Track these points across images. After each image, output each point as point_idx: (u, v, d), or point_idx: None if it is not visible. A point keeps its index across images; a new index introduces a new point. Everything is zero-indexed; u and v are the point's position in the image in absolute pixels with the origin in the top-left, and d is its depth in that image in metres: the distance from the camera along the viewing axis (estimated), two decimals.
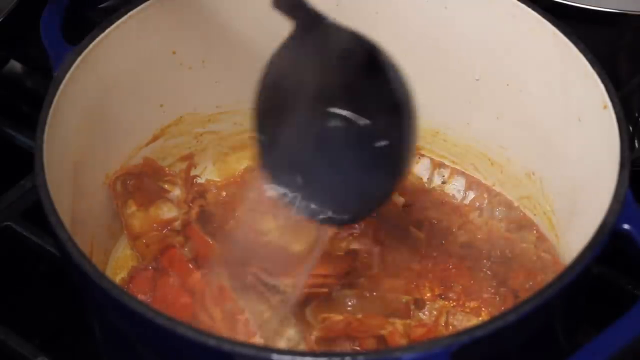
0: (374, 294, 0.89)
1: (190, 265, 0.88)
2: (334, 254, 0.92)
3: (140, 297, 0.87)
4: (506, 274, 0.91)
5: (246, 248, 0.90)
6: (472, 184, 0.95)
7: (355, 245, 0.93)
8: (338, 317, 0.85)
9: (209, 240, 0.90)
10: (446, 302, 0.89)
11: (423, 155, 0.97)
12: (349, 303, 0.88)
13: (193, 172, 0.97)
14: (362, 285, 0.90)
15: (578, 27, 0.87)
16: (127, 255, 0.93)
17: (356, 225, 0.92)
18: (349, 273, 0.91)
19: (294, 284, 0.88)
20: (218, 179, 1.01)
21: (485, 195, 0.94)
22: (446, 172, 0.96)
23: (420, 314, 0.88)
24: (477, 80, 0.95)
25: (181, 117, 0.98)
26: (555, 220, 0.91)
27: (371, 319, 0.85)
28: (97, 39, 0.87)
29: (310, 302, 0.88)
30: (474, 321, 0.86)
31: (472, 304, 0.89)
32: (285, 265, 0.88)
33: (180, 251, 0.89)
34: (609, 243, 0.74)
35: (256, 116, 0.82)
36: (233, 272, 0.87)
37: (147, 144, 0.96)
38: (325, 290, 0.89)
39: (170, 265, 0.88)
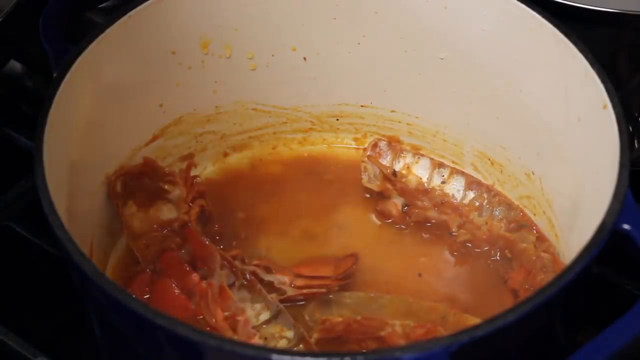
0: (373, 295, 0.89)
1: (188, 267, 0.88)
2: (333, 256, 0.92)
3: (138, 298, 0.87)
4: (506, 273, 0.91)
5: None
6: (471, 183, 0.95)
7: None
8: (337, 319, 0.85)
9: (206, 241, 0.90)
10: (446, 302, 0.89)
11: (423, 155, 0.97)
12: (348, 304, 0.88)
13: (193, 172, 0.97)
14: (361, 286, 0.90)
15: (578, 27, 0.87)
16: (127, 255, 0.93)
17: None
18: (349, 275, 0.91)
19: (289, 282, 0.88)
20: (218, 179, 1.01)
21: (485, 195, 0.94)
22: (446, 172, 0.96)
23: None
24: (477, 80, 0.95)
25: (181, 117, 0.98)
26: (555, 220, 0.91)
27: (370, 320, 0.85)
28: (97, 39, 0.87)
29: (310, 303, 0.88)
30: (473, 321, 0.85)
31: (471, 303, 0.89)
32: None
33: (178, 253, 0.89)
34: (608, 243, 0.74)
35: None
36: (231, 270, 0.87)
37: (147, 144, 0.96)
38: (324, 291, 0.89)
39: (168, 267, 0.88)
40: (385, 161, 0.96)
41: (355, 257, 0.92)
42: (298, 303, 0.89)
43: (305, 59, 0.99)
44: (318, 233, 0.96)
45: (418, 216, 0.95)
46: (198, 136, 1.00)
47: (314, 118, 1.02)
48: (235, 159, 1.02)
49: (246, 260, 0.90)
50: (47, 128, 0.80)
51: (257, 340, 0.83)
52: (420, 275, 0.92)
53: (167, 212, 0.92)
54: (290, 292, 0.88)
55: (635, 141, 1.03)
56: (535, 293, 0.70)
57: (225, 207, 0.97)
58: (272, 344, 0.84)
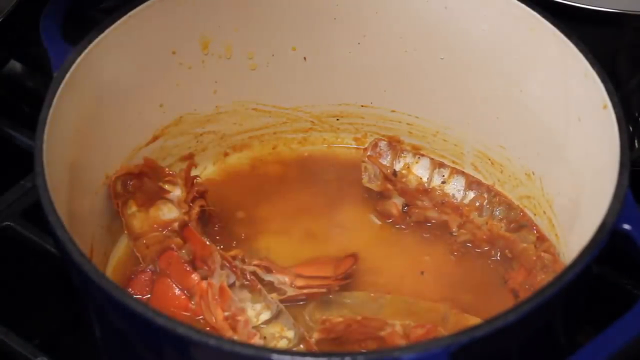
0: (373, 295, 0.89)
1: (188, 267, 0.88)
2: (333, 256, 0.92)
3: (139, 298, 0.87)
4: (506, 274, 0.91)
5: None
6: (472, 183, 0.95)
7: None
8: (337, 319, 0.85)
9: (206, 241, 0.90)
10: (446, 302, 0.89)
11: (423, 155, 0.97)
12: (348, 304, 0.88)
13: (193, 172, 0.97)
14: (361, 286, 0.90)
15: (578, 27, 0.87)
16: (127, 255, 0.93)
17: None
18: (349, 275, 0.91)
19: (290, 282, 0.88)
20: (218, 179, 1.01)
21: (485, 195, 0.94)
22: (446, 172, 0.96)
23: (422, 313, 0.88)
24: (477, 80, 0.95)
25: (181, 117, 0.98)
26: (555, 220, 0.91)
27: (370, 320, 0.85)
28: (97, 39, 0.87)
29: (310, 303, 0.88)
30: (473, 321, 0.85)
31: (471, 303, 0.89)
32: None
33: (178, 253, 0.89)
34: (609, 243, 0.74)
35: None
36: (231, 270, 0.87)
37: (147, 144, 0.96)
38: (324, 291, 0.89)
39: (168, 267, 0.88)
40: (386, 161, 0.96)
41: (355, 257, 0.92)
42: (298, 303, 0.89)
43: (305, 59, 0.99)
44: (318, 233, 0.96)
45: (418, 216, 0.95)
46: (198, 136, 1.00)
47: (314, 118, 1.02)
48: (235, 159, 1.02)
49: (246, 260, 0.90)
50: (47, 128, 0.80)
51: (257, 340, 0.83)
52: (420, 274, 0.92)
53: (167, 212, 0.92)
54: (291, 292, 0.88)
55: (635, 141, 1.03)
56: (535, 293, 0.70)
57: (225, 207, 0.97)
58: (272, 344, 0.84)
